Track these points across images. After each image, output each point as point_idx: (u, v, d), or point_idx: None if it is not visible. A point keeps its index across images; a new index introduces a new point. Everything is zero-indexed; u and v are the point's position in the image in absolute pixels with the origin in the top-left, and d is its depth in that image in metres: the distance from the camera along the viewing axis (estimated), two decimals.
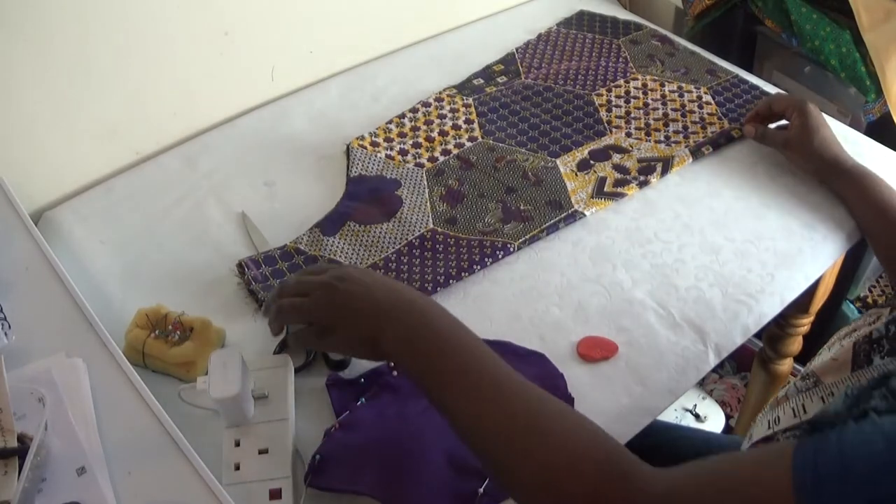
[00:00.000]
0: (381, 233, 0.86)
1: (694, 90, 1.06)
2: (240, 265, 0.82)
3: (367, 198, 0.91)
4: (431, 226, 0.87)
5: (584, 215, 0.88)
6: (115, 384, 0.62)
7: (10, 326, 0.66)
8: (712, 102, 1.04)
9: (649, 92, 1.07)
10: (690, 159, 0.95)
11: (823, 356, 0.62)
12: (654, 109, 1.04)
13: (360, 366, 0.73)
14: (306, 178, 0.95)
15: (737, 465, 0.47)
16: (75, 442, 0.58)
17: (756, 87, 1.06)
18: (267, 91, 1.05)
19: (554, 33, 1.19)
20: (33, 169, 0.88)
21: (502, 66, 1.12)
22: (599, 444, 0.51)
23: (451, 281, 0.80)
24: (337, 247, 0.84)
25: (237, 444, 0.65)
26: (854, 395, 0.46)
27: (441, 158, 0.96)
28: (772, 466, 0.43)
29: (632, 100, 1.05)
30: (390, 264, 0.83)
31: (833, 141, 0.88)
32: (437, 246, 0.85)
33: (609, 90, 1.07)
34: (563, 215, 0.87)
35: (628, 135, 1.00)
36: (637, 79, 1.09)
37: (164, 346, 0.71)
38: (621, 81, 1.09)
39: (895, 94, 0.99)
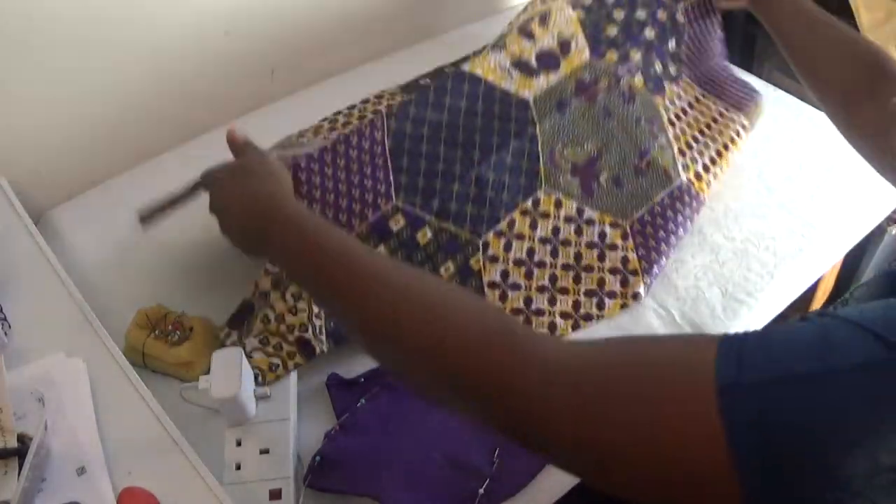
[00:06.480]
0: None
1: None
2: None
3: None
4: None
5: None
6: (115, 384, 0.62)
7: (10, 326, 0.66)
8: None
9: None
10: None
11: None
12: None
13: (359, 366, 0.73)
14: None
15: (657, 343, 0.44)
16: (75, 442, 0.58)
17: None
18: (267, 91, 1.05)
19: None
20: (33, 169, 0.88)
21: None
22: (489, 314, 0.47)
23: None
24: None
25: (238, 443, 0.65)
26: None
27: None
28: (697, 346, 0.39)
29: None
30: None
31: None
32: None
33: None
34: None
35: None
36: None
37: (164, 346, 0.71)
38: None
39: None
